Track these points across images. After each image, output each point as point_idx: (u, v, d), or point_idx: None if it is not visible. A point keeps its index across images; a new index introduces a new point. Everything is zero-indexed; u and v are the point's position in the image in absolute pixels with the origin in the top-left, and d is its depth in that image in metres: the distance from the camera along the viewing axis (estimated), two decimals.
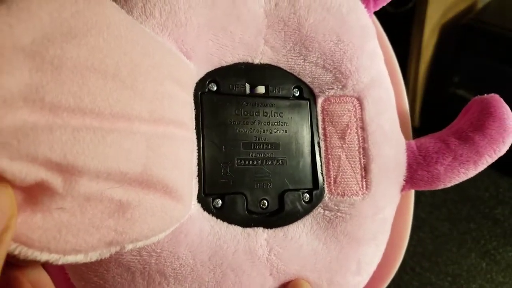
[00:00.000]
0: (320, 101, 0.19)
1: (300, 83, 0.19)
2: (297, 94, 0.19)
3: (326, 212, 0.18)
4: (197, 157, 0.16)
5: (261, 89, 0.18)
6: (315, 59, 0.19)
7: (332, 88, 0.19)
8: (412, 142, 0.21)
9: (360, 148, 0.19)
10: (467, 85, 0.58)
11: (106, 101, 0.11)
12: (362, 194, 0.19)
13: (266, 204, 0.18)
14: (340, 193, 0.19)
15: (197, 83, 0.17)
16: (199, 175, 0.16)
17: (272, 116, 0.18)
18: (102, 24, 0.12)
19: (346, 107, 0.19)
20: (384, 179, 0.19)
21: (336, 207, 0.18)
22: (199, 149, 0.16)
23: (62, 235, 0.11)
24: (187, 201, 0.15)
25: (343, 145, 0.19)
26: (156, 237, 0.13)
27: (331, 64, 0.19)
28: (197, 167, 0.16)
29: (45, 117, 0.10)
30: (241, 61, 0.18)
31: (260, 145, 0.18)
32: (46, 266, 0.12)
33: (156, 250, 0.14)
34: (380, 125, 0.19)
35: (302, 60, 0.19)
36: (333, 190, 0.19)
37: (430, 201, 0.55)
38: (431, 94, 0.62)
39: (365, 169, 0.19)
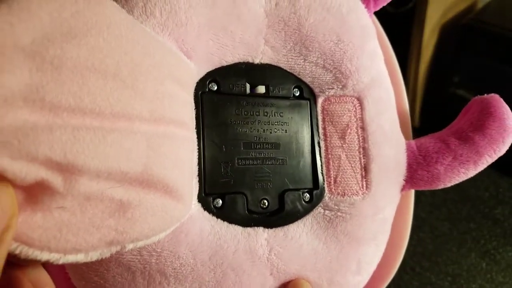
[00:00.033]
0: (320, 101, 0.19)
1: (300, 83, 0.19)
2: (297, 94, 0.19)
3: (326, 211, 0.18)
4: (197, 157, 0.16)
5: (261, 89, 0.18)
6: (315, 59, 0.19)
7: (332, 88, 0.19)
8: (412, 142, 0.21)
9: (360, 148, 0.19)
10: (467, 85, 0.58)
11: (107, 100, 0.11)
12: (362, 194, 0.19)
13: (266, 203, 0.18)
14: (340, 192, 0.19)
15: (197, 82, 0.17)
16: (199, 175, 0.16)
17: (272, 116, 0.18)
18: (102, 24, 0.12)
19: (346, 107, 0.19)
20: (384, 179, 0.19)
21: (336, 207, 0.18)
22: (199, 149, 0.16)
23: (62, 234, 0.11)
24: (188, 201, 0.15)
25: (343, 145, 0.19)
26: (156, 236, 0.13)
27: (331, 64, 0.19)
28: (197, 167, 0.16)
29: (45, 117, 0.10)
30: (241, 61, 0.18)
31: (260, 144, 0.18)
32: (47, 265, 0.12)
33: (156, 250, 0.14)
34: (380, 125, 0.19)
35: (302, 60, 0.19)
36: (333, 190, 0.19)
37: (430, 201, 0.55)
38: (431, 94, 0.62)
39: (365, 169, 0.19)
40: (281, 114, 0.19)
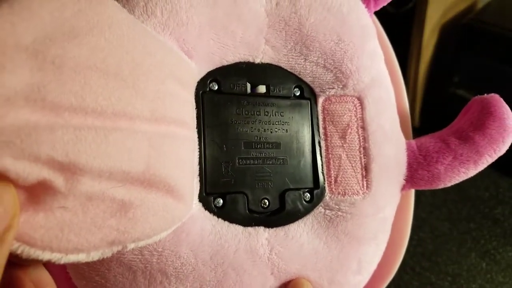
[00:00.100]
0: (320, 100, 0.19)
1: (301, 83, 0.19)
2: (298, 94, 0.19)
3: (327, 211, 0.18)
4: (198, 157, 0.16)
5: (262, 89, 0.18)
6: (315, 58, 0.19)
7: (333, 88, 0.19)
8: (413, 141, 0.21)
9: (361, 147, 0.19)
10: (467, 85, 0.58)
11: (108, 100, 0.11)
12: (362, 194, 0.19)
13: (267, 203, 0.18)
14: (341, 192, 0.19)
15: (198, 82, 0.17)
16: (200, 175, 0.16)
17: (273, 115, 0.18)
18: (103, 23, 0.12)
19: (347, 106, 0.19)
20: (385, 178, 0.19)
21: (337, 207, 0.18)
22: (200, 149, 0.16)
23: (64, 234, 0.11)
24: (189, 201, 0.15)
25: (344, 145, 0.19)
26: (157, 236, 0.13)
27: (332, 63, 0.19)
28: (198, 167, 0.16)
29: (47, 117, 0.10)
30: (242, 61, 0.18)
31: (261, 144, 0.18)
32: (48, 265, 0.12)
33: (157, 249, 0.14)
34: (380, 124, 0.19)
35: (303, 60, 0.19)
36: (333, 190, 0.19)
37: (430, 201, 0.55)
38: (431, 94, 0.62)
39: (366, 168, 0.19)
40: (281, 113, 0.19)
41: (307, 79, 0.19)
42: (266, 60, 0.18)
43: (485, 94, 0.20)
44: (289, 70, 0.19)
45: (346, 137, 0.19)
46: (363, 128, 0.19)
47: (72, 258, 0.11)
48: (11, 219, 0.09)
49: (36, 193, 0.10)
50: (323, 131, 0.19)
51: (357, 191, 0.19)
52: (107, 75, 0.11)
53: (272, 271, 0.17)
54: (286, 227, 0.18)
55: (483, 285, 0.47)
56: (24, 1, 0.10)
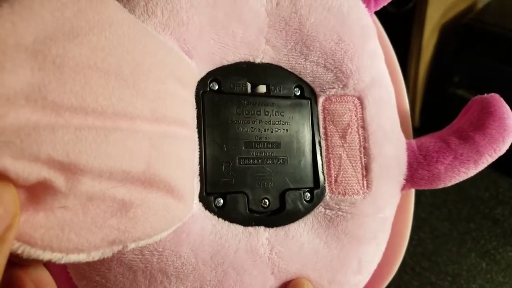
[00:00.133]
0: (321, 100, 0.19)
1: (301, 83, 0.19)
2: (298, 94, 0.19)
3: (327, 211, 0.18)
4: (198, 156, 0.16)
5: (262, 88, 0.18)
6: (316, 58, 0.19)
7: (333, 88, 0.19)
8: (413, 141, 0.21)
9: (361, 147, 0.19)
10: (467, 85, 0.58)
11: (109, 100, 0.11)
12: (363, 193, 0.19)
13: (267, 203, 0.18)
14: (341, 192, 0.19)
15: (198, 82, 0.17)
16: (200, 174, 0.16)
17: (273, 115, 0.18)
18: (104, 23, 0.12)
19: (347, 106, 0.19)
20: (385, 178, 0.19)
21: (337, 206, 0.18)
22: (200, 148, 0.16)
23: (64, 233, 0.11)
24: (189, 200, 0.15)
25: (344, 144, 0.19)
26: (158, 236, 0.13)
27: (332, 63, 0.19)
28: (198, 166, 0.16)
29: (47, 117, 0.10)
30: (242, 60, 0.18)
31: (261, 144, 0.18)
32: (48, 265, 0.12)
33: (158, 249, 0.14)
34: (380, 124, 0.19)
35: (303, 60, 0.19)
36: (334, 189, 0.19)
37: (430, 201, 0.55)
38: (431, 94, 0.62)
39: (366, 168, 0.19)
40: (282, 113, 0.19)
41: (308, 79, 0.19)
42: (267, 60, 0.18)
43: (485, 94, 0.20)
44: (289, 70, 0.19)
45: (347, 136, 0.19)
46: (364, 127, 0.19)
47: (73, 258, 0.11)
48: (11, 218, 0.09)
49: (37, 193, 0.10)
50: (323, 130, 0.19)
51: (358, 191, 0.19)
52: (108, 75, 0.11)
53: (273, 271, 0.17)
54: (287, 227, 0.18)
55: (483, 285, 0.47)
56: (24, 1, 0.10)
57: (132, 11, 0.14)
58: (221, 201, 0.17)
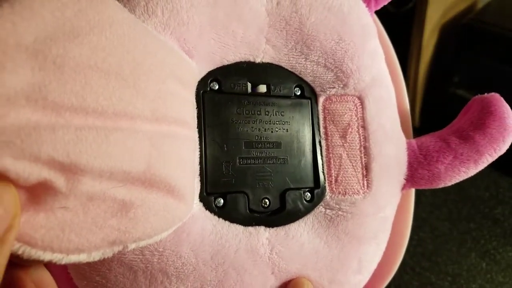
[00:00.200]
0: (321, 100, 0.19)
1: (301, 82, 0.19)
2: (298, 93, 0.19)
3: (328, 211, 0.18)
4: (199, 156, 0.16)
5: (262, 88, 0.18)
6: (316, 58, 0.19)
7: (334, 87, 0.19)
8: (413, 141, 0.21)
9: (361, 147, 0.19)
10: (467, 85, 0.58)
11: (109, 100, 0.11)
12: (363, 193, 0.19)
13: (268, 203, 0.18)
14: (342, 192, 0.19)
15: (199, 81, 0.17)
16: (201, 174, 0.16)
17: (273, 115, 0.18)
18: (104, 22, 0.12)
19: (347, 106, 0.19)
20: (385, 178, 0.19)
21: (337, 206, 0.18)
22: (201, 148, 0.16)
23: (65, 234, 0.10)
24: (189, 200, 0.15)
25: (344, 144, 0.19)
26: (158, 236, 0.13)
27: (333, 63, 0.19)
28: (199, 166, 0.16)
29: (48, 117, 0.10)
30: (242, 60, 0.18)
31: (261, 144, 0.18)
32: (49, 266, 0.12)
33: (158, 249, 0.14)
34: (381, 124, 0.19)
35: (304, 59, 0.19)
36: (334, 189, 0.19)
37: (430, 201, 0.55)
38: (431, 94, 0.62)
39: (366, 168, 0.19)
40: (282, 113, 0.19)
41: (308, 79, 0.19)
42: (267, 59, 0.18)
43: (485, 94, 0.20)
44: (289, 69, 0.19)
45: (347, 136, 0.19)
46: (364, 127, 0.19)
47: (73, 258, 0.11)
48: (12, 219, 0.09)
49: (37, 193, 0.10)
50: (323, 130, 0.19)
51: (358, 191, 0.19)
52: (108, 74, 0.11)
53: (273, 271, 0.17)
54: (287, 226, 0.18)
55: (483, 285, 0.47)
56: (25, 1, 0.10)
57: (133, 11, 0.14)
58: (222, 201, 0.17)
